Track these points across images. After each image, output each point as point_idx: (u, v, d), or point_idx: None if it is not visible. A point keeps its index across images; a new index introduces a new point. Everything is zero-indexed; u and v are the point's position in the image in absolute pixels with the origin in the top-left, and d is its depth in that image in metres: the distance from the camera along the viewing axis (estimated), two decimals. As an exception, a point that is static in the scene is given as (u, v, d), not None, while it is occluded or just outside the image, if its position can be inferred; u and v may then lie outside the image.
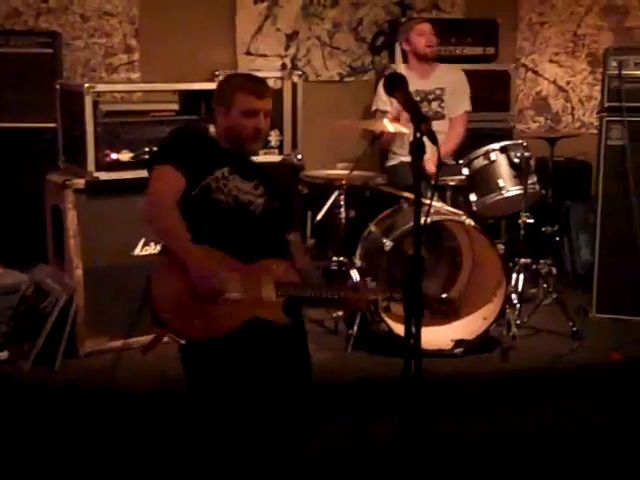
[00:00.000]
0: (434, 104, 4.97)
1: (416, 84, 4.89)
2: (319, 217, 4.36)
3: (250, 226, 2.85)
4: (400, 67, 5.01)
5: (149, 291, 2.68)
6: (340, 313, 4.29)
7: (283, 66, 5.68)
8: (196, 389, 2.79)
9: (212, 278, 2.66)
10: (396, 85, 2.29)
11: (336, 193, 4.36)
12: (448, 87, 4.97)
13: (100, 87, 4.03)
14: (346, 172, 4.50)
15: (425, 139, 2.21)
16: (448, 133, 4.93)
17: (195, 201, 2.81)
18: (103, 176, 3.94)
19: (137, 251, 4.03)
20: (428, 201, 4.17)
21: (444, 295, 2.76)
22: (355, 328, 4.09)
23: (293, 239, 3.00)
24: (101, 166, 3.93)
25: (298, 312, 2.89)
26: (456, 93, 5.00)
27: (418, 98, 4.90)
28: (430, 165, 3.93)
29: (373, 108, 4.90)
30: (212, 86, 5.10)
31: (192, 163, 2.83)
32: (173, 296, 2.67)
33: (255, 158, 3.04)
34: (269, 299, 2.72)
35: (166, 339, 2.72)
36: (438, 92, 4.97)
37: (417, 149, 2.16)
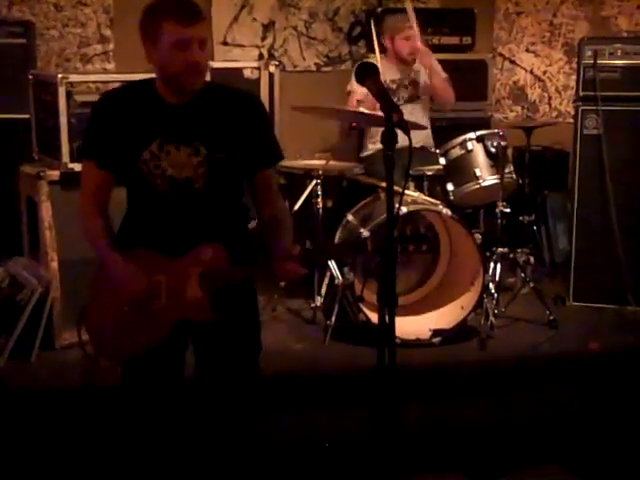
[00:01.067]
0: (410, 88, 4.97)
1: (393, 74, 4.90)
2: (296, 207, 4.35)
3: (195, 207, 2.53)
4: (378, 58, 4.99)
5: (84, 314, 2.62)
6: (318, 304, 4.29)
7: (260, 56, 5.66)
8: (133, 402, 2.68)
9: (131, 286, 2.49)
10: (367, 74, 2.27)
11: (313, 183, 4.35)
12: (422, 69, 4.97)
13: (74, 77, 4.00)
14: (323, 162, 4.49)
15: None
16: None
17: (132, 188, 2.59)
18: (78, 167, 3.87)
19: (113, 242, 4.00)
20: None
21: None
22: (333, 319, 4.09)
23: (261, 178, 2.59)
24: (76, 157, 3.89)
25: (236, 298, 2.61)
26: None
27: (395, 86, 4.91)
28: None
29: (347, 89, 4.88)
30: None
31: (114, 150, 2.51)
32: (105, 317, 2.57)
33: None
34: (195, 297, 2.50)
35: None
36: (413, 75, 4.96)
37: (389, 139, 2.14)
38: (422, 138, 4.76)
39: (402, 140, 2.22)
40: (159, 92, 2.50)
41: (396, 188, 2.31)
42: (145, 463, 2.72)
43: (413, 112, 4.83)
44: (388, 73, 4.88)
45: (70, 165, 3.90)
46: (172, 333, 2.53)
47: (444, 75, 4.93)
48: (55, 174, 3.91)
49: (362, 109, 4.27)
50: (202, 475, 2.74)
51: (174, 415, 2.69)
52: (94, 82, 4.87)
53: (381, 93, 2.22)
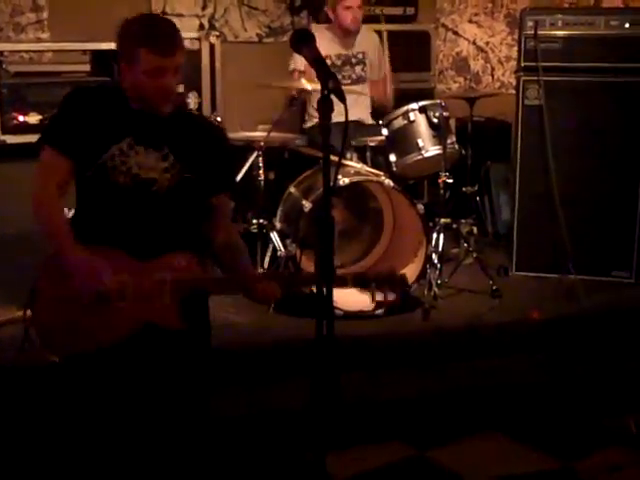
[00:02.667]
0: (357, 68, 4.97)
1: (339, 48, 4.89)
2: (238, 179, 4.29)
3: (153, 209, 2.53)
4: (322, 28, 4.95)
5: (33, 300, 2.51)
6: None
7: (200, 26, 5.56)
8: (76, 404, 2.58)
9: (95, 281, 2.42)
10: (303, 41, 2.22)
11: (255, 155, 4.30)
12: (369, 51, 4.98)
13: (4, 46, 3.89)
14: (265, 134, 4.44)
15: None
16: (376, 93, 4.99)
17: (90, 183, 2.54)
18: (10, 139, 3.81)
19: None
20: (347, 162, 4.25)
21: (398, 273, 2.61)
22: (276, 291, 4.05)
23: (217, 203, 2.65)
24: (7, 129, 3.80)
25: (201, 310, 2.64)
26: (376, 58, 5.04)
27: (340, 62, 4.90)
28: None
29: (290, 67, 4.84)
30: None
31: (83, 141, 2.50)
32: (57, 309, 2.47)
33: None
34: (163, 302, 2.46)
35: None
36: (360, 56, 4.97)
37: (325, 107, 2.11)
38: (357, 110, 4.73)
39: (341, 115, 2.19)
40: (130, 102, 2.56)
41: (335, 159, 2.28)
42: (82, 445, 2.62)
43: (362, 91, 4.82)
44: (333, 47, 4.85)
45: (2, 137, 3.80)
46: (130, 340, 2.46)
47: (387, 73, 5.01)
48: (-13, 146, 3.82)
49: (304, 81, 4.23)
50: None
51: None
52: (27, 52, 4.75)
53: (317, 60, 2.18)
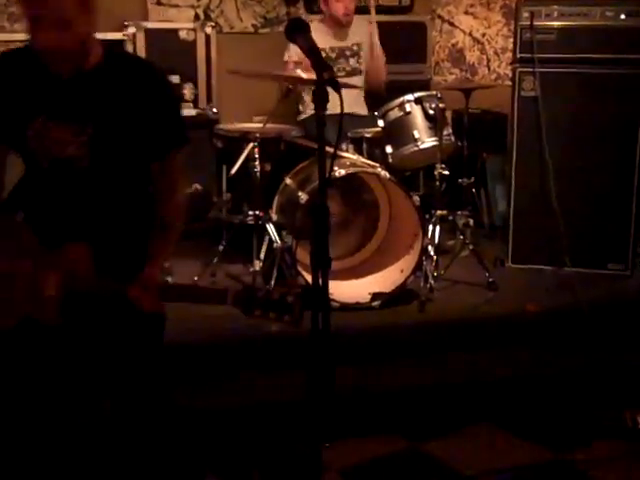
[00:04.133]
0: (352, 60, 4.96)
1: (332, 41, 4.90)
2: (233, 171, 4.28)
3: (75, 190, 2.31)
4: (315, 21, 4.94)
5: None
6: (257, 268, 4.24)
7: (196, 17, 5.54)
8: None
9: None
10: (297, 31, 2.22)
11: (250, 146, 4.28)
12: (364, 42, 4.96)
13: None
14: (260, 125, 4.42)
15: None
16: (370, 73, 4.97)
17: (25, 165, 2.38)
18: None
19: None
20: (343, 153, 4.24)
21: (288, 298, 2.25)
22: (272, 283, 4.05)
23: (158, 171, 2.34)
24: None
25: (90, 309, 2.35)
26: (369, 42, 4.99)
27: (334, 55, 4.89)
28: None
29: (285, 58, 4.82)
30: (119, 36, 4.99)
31: (6, 126, 2.31)
32: None
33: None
34: (48, 295, 2.28)
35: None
36: (355, 48, 4.96)
37: (320, 97, 2.10)
38: (352, 102, 4.71)
39: (335, 107, 2.18)
40: (49, 66, 2.25)
41: (331, 150, 2.27)
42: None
43: (356, 84, 4.80)
44: (327, 40, 4.85)
45: None
46: (15, 330, 2.31)
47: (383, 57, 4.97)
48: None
49: (299, 71, 4.22)
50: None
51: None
52: (22, 42, 4.71)
53: (312, 50, 2.17)
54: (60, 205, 2.33)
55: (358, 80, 4.92)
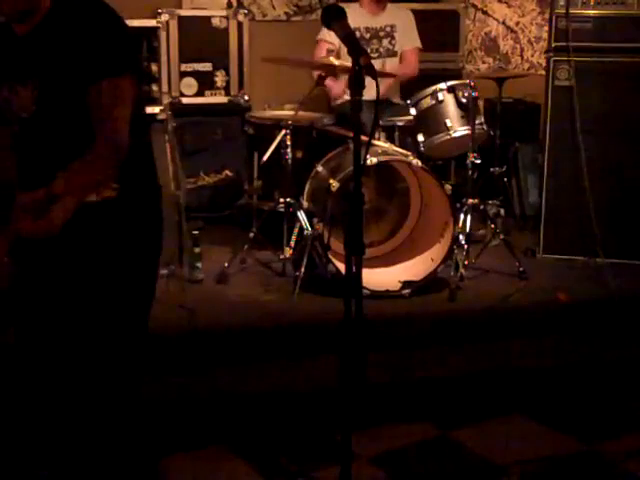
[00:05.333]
0: (385, 41, 4.92)
1: (366, 21, 4.85)
2: (265, 158, 4.29)
3: (26, 145, 2.30)
4: (350, 4, 4.92)
5: None
6: (287, 255, 4.26)
7: (229, 5, 5.55)
8: None
9: None
10: (334, 17, 2.21)
11: (282, 133, 4.28)
12: (399, 24, 4.93)
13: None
14: (292, 113, 4.43)
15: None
16: (401, 64, 4.93)
17: None
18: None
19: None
20: (375, 141, 4.24)
21: None
22: (302, 270, 4.06)
23: (89, 104, 2.19)
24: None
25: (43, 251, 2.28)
26: (407, 30, 4.97)
27: (368, 35, 4.87)
28: None
29: (317, 37, 4.82)
30: (153, 23, 5.00)
31: None
32: None
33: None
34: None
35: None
36: (388, 29, 4.92)
37: (356, 84, 2.10)
38: (386, 88, 4.70)
39: (370, 94, 2.18)
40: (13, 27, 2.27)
41: (365, 138, 2.27)
42: None
43: (389, 65, 4.79)
44: (361, 20, 4.83)
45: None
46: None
47: (406, 74, 4.94)
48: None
49: (332, 59, 4.21)
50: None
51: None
52: None
53: (348, 36, 2.17)
54: (25, 161, 2.32)
55: (391, 62, 4.89)
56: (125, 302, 2.34)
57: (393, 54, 4.93)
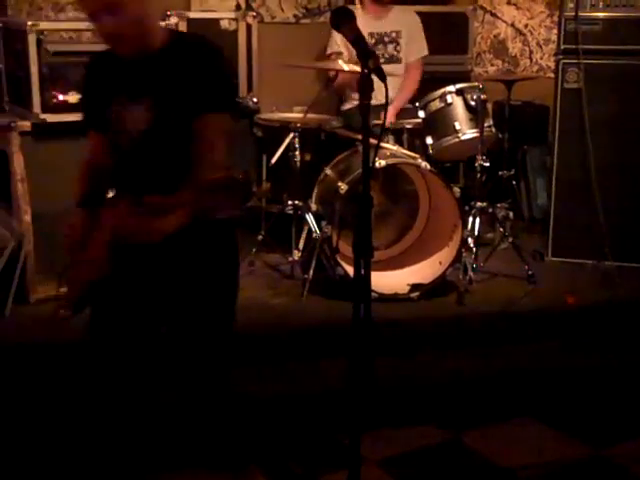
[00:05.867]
0: (390, 47, 4.92)
1: (371, 26, 4.83)
2: (273, 160, 4.30)
3: (133, 158, 2.51)
4: (355, 8, 4.92)
5: None
6: (296, 258, 4.26)
7: (237, 7, 5.55)
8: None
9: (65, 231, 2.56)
10: (342, 20, 2.21)
11: (291, 136, 4.29)
12: (404, 30, 4.92)
13: (44, 25, 3.89)
14: (301, 115, 4.43)
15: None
16: (404, 81, 4.89)
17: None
18: (50, 118, 3.83)
19: (88, 196, 3.93)
20: (383, 144, 4.24)
21: None
22: (311, 273, 4.07)
23: (196, 128, 2.42)
24: (48, 108, 3.82)
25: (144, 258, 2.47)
26: (413, 37, 4.95)
27: (373, 40, 4.86)
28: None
29: (328, 52, 4.82)
30: (162, 25, 4.98)
31: (94, 111, 2.57)
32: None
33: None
34: (98, 253, 2.42)
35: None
36: (394, 35, 4.91)
37: (364, 86, 2.10)
38: (394, 92, 4.69)
39: (378, 98, 2.17)
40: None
41: (374, 141, 2.27)
42: (114, 418, 2.68)
43: (394, 71, 4.78)
44: (366, 25, 4.81)
45: (42, 116, 3.82)
46: (88, 294, 2.51)
47: (410, 94, 4.88)
48: (27, 125, 3.83)
49: (341, 62, 4.21)
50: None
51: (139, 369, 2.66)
52: (66, 30, 4.76)
53: (357, 39, 2.17)
54: (131, 176, 2.51)
55: (396, 68, 4.88)
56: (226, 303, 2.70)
57: (397, 60, 4.92)
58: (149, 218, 2.26)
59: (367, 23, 4.82)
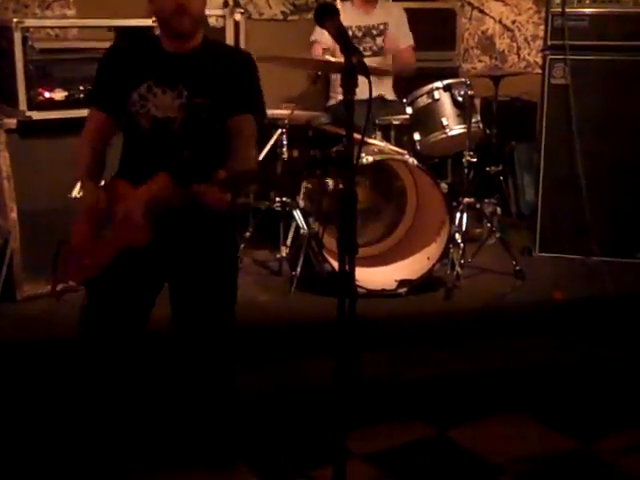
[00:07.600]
0: (378, 39, 4.93)
1: (359, 19, 4.86)
2: (261, 157, 4.29)
3: (169, 147, 2.68)
4: (344, 3, 4.93)
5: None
6: (284, 254, 4.26)
7: (225, 4, 5.53)
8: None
9: (88, 202, 2.66)
10: (326, 15, 2.21)
11: (278, 132, 4.29)
12: (391, 22, 4.96)
13: (29, 22, 3.87)
14: (289, 112, 4.42)
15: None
16: (394, 62, 4.92)
17: (125, 130, 2.78)
18: (36, 115, 3.80)
19: (74, 193, 3.92)
20: (371, 140, 4.24)
21: None
22: (298, 269, 4.06)
23: (234, 125, 2.70)
24: (34, 105, 3.79)
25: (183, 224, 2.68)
26: (399, 29, 4.98)
27: (360, 34, 4.88)
28: None
29: (311, 39, 4.82)
30: (149, 22, 4.98)
31: (111, 93, 2.73)
32: (76, 239, 2.70)
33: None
34: (139, 223, 2.57)
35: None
36: (382, 27, 4.93)
37: (348, 82, 2.10)
38: (381, 86, 4.70)
39: (363, 93, 2.18)
40: (162, 44, 2.71)
41: (359, 137, 2.27)
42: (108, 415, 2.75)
43: (381, 63, 4.78)
44: (354, 18, 4.84)
45: (28, 113, 3.79)
46: (115, 262, 2.63)
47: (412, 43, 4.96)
48: (12, 122, 3.81)
49: (328, 57, 4.21)
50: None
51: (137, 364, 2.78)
52: (52, 28, 4.75)
53: (340, 34, 2.17)
54: (155, 159, 2.66)
55: (384, 60, 4.89)
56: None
57: (384, 53, 4.93)
58: (215, 188, 2.46)
59: (355, 17, 4.85)
